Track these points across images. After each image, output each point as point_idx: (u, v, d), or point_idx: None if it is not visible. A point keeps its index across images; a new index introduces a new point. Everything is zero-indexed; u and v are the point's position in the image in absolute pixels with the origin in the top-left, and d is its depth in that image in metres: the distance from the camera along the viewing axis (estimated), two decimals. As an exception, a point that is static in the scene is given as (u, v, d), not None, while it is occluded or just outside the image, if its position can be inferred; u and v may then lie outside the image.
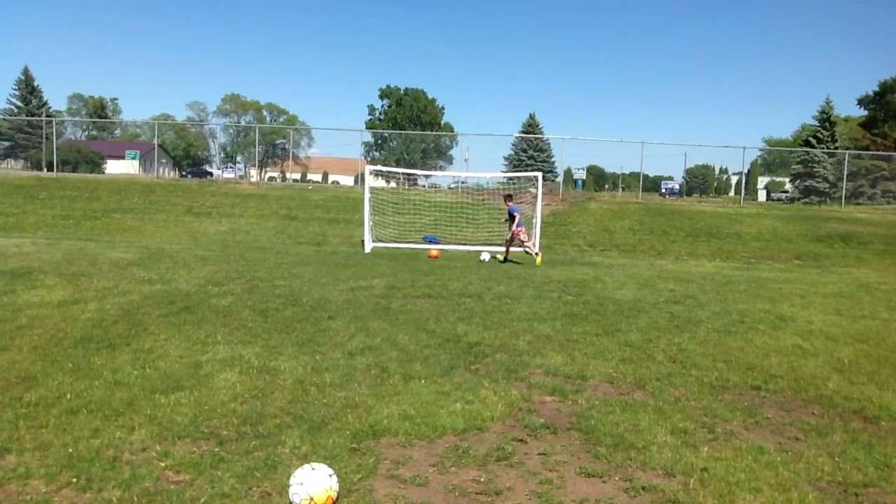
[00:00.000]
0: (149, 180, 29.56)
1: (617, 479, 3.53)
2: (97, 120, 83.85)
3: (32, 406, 4.33)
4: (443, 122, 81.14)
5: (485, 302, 8.20)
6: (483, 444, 3.92)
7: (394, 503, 3.23)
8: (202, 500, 3.16)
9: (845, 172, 31.30)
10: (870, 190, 42.55)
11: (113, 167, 56.91)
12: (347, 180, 64.22)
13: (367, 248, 16.42)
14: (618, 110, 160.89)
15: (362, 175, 25.65)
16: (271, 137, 74.29)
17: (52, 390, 4.62)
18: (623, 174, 48.57)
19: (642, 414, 4.45)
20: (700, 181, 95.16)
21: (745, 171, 35.75)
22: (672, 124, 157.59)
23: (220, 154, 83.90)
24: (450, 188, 35.21)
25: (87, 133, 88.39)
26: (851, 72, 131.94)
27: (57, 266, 9.65)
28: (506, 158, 53.09)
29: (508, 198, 15.47)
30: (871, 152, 40.20)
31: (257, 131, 54.83)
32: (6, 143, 60.92)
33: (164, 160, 67.67)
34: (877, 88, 53.11)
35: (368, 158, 54.86)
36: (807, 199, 42.17)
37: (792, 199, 45.42)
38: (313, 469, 3.13)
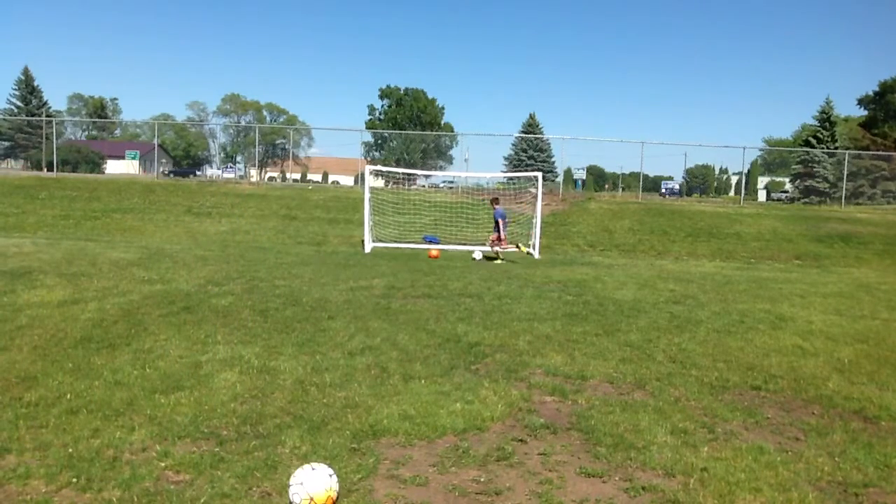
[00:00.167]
0: (149, 180, 29.56)
1: (617, 479, 3.53)
2: (97, 120, 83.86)
3: (32, 406, 4.33)
4: (443, 122, 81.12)
5: (485, 302, 8.20)
6: (483, 444, 3.93)
7: (394, 503, 3.23)
8: (202, 500, 3.16)
9: (845, 172, 31.29)
10: (870, 190, 42.55)
11: (113, 167, 56.92)
12: (347, 180, 64.23)
13: (367, 248, 16.43)
14: (618, 110, 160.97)
15: (362, 175, 25.65)
16: (271, 137, 74.29)
17: (52, 390, 4.62)
18: (623, 174, 48.62)
19: (642, 414, 4.45)
20: (700, 181, 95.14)
21: (745, 171, 35.75)
22: (672, 124, 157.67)
23: (220, 154, 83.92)
24: (438, 188, 35.23)
25: (87, 133, 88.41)
26: (851, 72, 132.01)
27: (57, 266, 9.65)
28: (506, 158, 53.10)
29: (495, 201, 15.99)
30: (871, 152, 40.20)
31: (257, 131, 54.84)
32: (6, 143, 60.92)
33: (164, 160, 67.70)
34: (877, 88, 53.10)
35: (368, 158, 54.87)
36: (807, 199, 42.17)
37: (792, 199, 45.42)
38: (313, 469, 3.13)
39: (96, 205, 21.63)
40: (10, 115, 61.69)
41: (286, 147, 69.55)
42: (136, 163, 55.57)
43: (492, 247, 15.21)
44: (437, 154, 69.15)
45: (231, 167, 69.84)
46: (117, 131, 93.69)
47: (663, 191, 55.79)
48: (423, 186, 37.67)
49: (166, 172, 47.86)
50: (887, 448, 3.98)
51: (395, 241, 17.74)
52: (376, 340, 6.16)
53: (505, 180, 27.02)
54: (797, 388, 5.16)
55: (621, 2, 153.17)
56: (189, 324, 6.55)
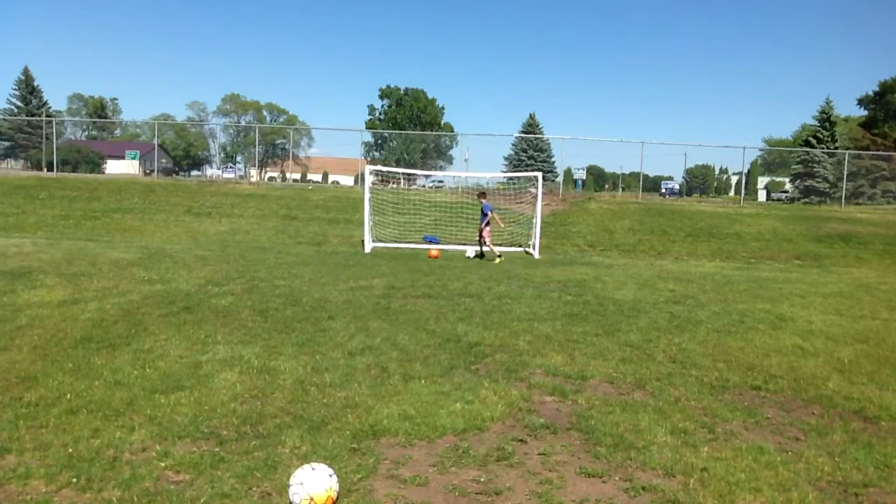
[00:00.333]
0: (149, 180, 29.55)
1: (617, 479, 3.53)
2: (97, 120, 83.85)
3: (32, 406, 4.33)
4: (443, 122, 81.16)
5: (485, 302, 8.20)
6: (483, 444, 3.93)
7: (394, 503, 3.23)
8: (202, 500, 3.16)
9: (845, 172, 31.29)
10: (870, 190, 42.55)
11: (113, 167, 56.89)
12: (347, 180, 64.22)
13: (367, 248, 16.43)
14: (618, 110, 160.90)
15: (362, 175, 25.64)
16: (271, 137, 74.31)
17: (52, 390, 4.62)
18: (623, 174, 48.60)
19: (642, 414, 4.45)
20: (700, 181, 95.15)
21: (745, 171, 35.73)
22: (672, 124, 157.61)
23: (220, 154, 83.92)
24: (428, 188, 35.21)
25: (87, 133, 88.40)
26: (851, 72, 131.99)
27: (57, 266, 9.65)
28: (506, 158, 53.12)
29: (482, 195, 16.15)
30: (871, 152, 40.19)
31: (257, 131, 54.85)
32: (6, 143, 60.93)
33: (164, 160, 67.69)
34: (877, 88, 53.10)
35: (368, 158, 54.88)
36: (807, 199, 42.18)
37: (792, 199, 45.42)
38: (313, 469, 3.13)
39: (96, 205, 21.63)
40: (10, 115, 61.70)
41: (286, 147, 69.57)
42: (136, 163, 55.54)
43: (489, 244, 15.28)
44: (437, 154, 69.17)
45: (231, 167, 69.83)
46: (117, 131, 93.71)
47: (663, 191, 55.79)
48: (424, 186, 37.68)
49: (147, 171, 47.77)
50: (887, 448, 3.98)
51: (395, 241, 17.74)
52: (376, 340, 6.16)
53: (505, 180, 27.01)
54: (797, 388, 5.16)
55: (621, 2, 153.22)
56: (189, 324, 6.55)
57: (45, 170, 34.15)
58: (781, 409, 4.71)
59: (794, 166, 48.57)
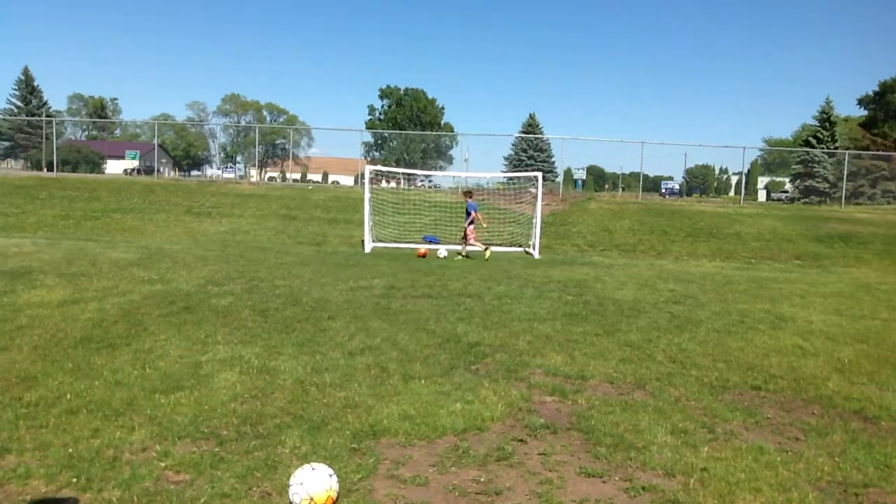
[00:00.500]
0: (149, 180, 29.55)
1: (617, 479, 3.53)
2: (97, 120, 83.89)
3: (32, 406, 4.33)
4: (443, 122, 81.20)
5: (485, 302, 8.20)
6: (483, 444, 3.92)
7: (394, 503, 3.23)
8: (202, 500, 3.16)
9: (845, 172, 31.30)
10: (870, 190, 42.56)
11: (113, 167, 56.87)
12: (347, 180, 64.20)
13: (367, 248, 16.43)
14: (618, 110, 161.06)
15: (362, 175, 25.63)
16: (271, 137, 74.34)
17: (52, 390, 4.62)
18: (623, 174, 48.50)
19: (642, 414, 4.45)
20: (700, 181, 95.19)
21: (745, 171, 35.73)
22: (672, 124, 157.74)
23: (220, 154, 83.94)
24: (428, 188, 35.20)
25: (87, 133, 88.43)
26: (851, 72, 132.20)
27: (57, 266, 9.65)
28: (506, 158, 53.15)
29: (468, 194, 16.40)
30: (871, 152, 40.20)
31: (257, 131, 54.86)
32: (6, 143, 60.96)
33: (164, 160, 67.69)
34: (877, 88, 53.14)
35: (368, 158, 54.87)
36: (807, 199, 42.19)
37: (792, 199, 45.44)
38: (313, 469, 3.13)
39: (96, 205, 21.63)
40: (10, 115, 61.71)
41: (286, 147, 69.60)
42: (136, 163, 55.54)
43: (472, 242, 15.41)
44: (437, 154, 69.15)
45: (231, 167, 69.83)
46: (117, 131, 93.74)
47: (663, 191, 55.81)
48: (423, 186, 37.67)
49: (129, 171, 47.78)
50: (887, 448, 3.97)
51: (395, 241, 17.74)
52: (376, 340, 6.16)
53: (505, 180, 27.00)
54: (797, 388, 5.16)
55: (621, 2, 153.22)
56: (189, 324, 6.55)
57: (45, 170, 34.15)
58: (781, 409, 4.71)
59: (794, 166, 48.60)
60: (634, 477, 3.53)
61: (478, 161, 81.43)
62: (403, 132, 67.03)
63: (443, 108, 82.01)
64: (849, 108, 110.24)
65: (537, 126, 55.82)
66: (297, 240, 18.39)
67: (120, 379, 4.89)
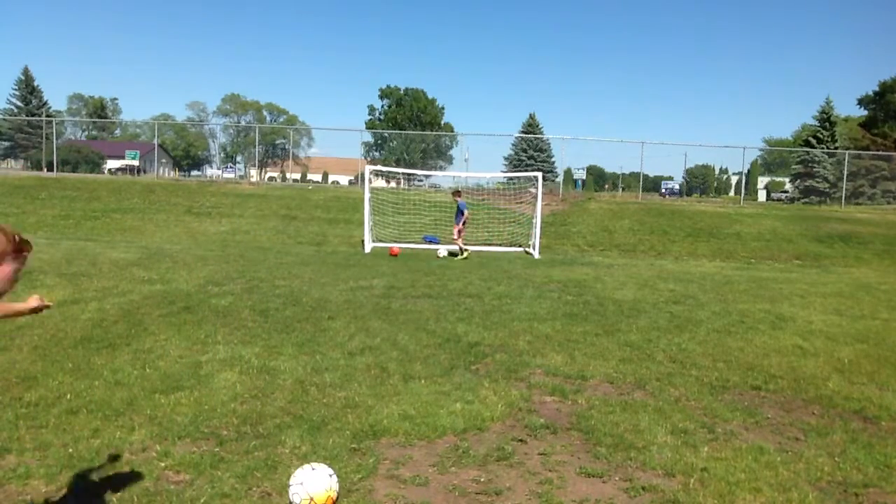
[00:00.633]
0: (149, 180, 29.55)
1: (617, 479, 3.53)
2: (97, 120, 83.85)
3: (32, 406, 4.33)
4: (443, 122, 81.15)
5: (485, 302, 8.20)
6: (483, 444, 3.92)
7: (394, 503, 3.23)
8: (202, 500, 3.16)
9: (845, 172, 31.28)
10: (870, 190, 42.54)
11: (112, 167, 56.83)
12: (346, 180, 64.18)
13: (367, 248, 16.43)
14: (618, 110, 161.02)
15: (361, 175, 25.64)
16: (271, 137, 74.33)
17: (52, 390, 4.61)
18: (623, 174, 48.48)
19: (642, 414, 4.45)
20: (700, 181, 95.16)
21: (745, 171, 35.71)
22: (672, 124, 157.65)
23: (220, 154, 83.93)
24: (427, 188, 35.19)
25: (87, 133, 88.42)
26: (851, 72, 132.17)
27: (57, 266, 9.65)
28: (506, 158, 53.08)
29: (457, 194, 16.54)
30: (871, 152, 40.19)
31: (257, 131, 54.84)
32: (6, 143, 60.92)
33: (164, 160, 67.68)
34: (877, 88, 53.13)
35: (368, 158, 54.86)
36: (807, 199, 42.17)
37: (792, 199, 45.41)
38: (313, 469, 3.13)
39: (96, 205, 21.62)
40: (10, 115, 61.70)
41: (286, 147, 69.58)
42: (136, 163, 55.51)
43: (456, 239, 15.47)
44: (437, 154, 69.12)
45: (231, 167, 69.82)
46: (117, 131, 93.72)
47: (663, 191, 55.79)
48: (423, 185, 37.68)
49: (114, 171, 47.78)
50: (887, 448, 3.98)
51: (395, 242, 17.74)
52: (376, 340, 6.16)
53: (505, 180, 27.01)
54: (797, 388, 5.16)
55: (621, 2, 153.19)
56: (189, 324, 6.55)
57: (45, 170, 34.14)
58: (781, 409, 4.71)
59: (794, 166, 48.56)
60: (634, 477, 3.53)
61: (478, 161, 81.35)
62: (403, 132, 67.01)
63: (443, 108, 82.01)
64: (849, 108, 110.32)
65: (537, 126, 55.80)
66: (297, 240, 18.39)
67: (120, 379, 4.89)
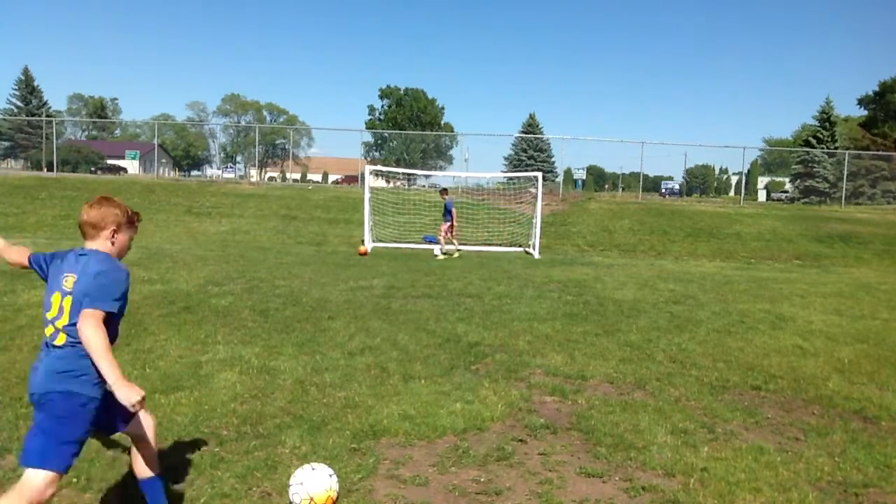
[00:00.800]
0: (149, 180, 29.55)
1: (617, 479, 3.53)
2: (97, 120, 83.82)
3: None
4: (443, 122, 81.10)
5: (485, 302, 8.20)
6: (483, 444, 3.92)
7: (394, 503, 3.23)
8: (202, 500, 3.16)
9: (845, 172, 31.29)
10: (870, 190, 42.53)
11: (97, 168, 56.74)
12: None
13: (368, 248, 16.43)
14: (618, 110, 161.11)
15: (362, 175, 25.62)
16: (271, 137, 74.30)
17: (52, 390, 4.61)
18: (623, 174, 48.48)
19: (642, 414, 4.45)
20: (700, 181, 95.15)
21: (745, 171, 35.71)
22: (672, 124, 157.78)
23: (220, 154, 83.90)
24: (428, 188, 35.16)
25: (87, 133, 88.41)
26: (851, 72, 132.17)
27: (57, 266, 9.64)
28: (506, 158, 53.08)
29: (444, 192, 16.62)
30: (871, 152, 40.20)
31: (257, 131, 54.78)
32: (6, 143, 60.87)
33: (164, 160, 67.68)
34: (877, 88, 53.10)
35: (368, 158, 54.85)
36: (807, 199, 42.16)
37: (792, 199, 45.40)
38: (313, 469, 3.13)
39: (96, 205, 21.61)
40: (10, 115, 61.67)
41: (286, 147, 69.57)
42: (135, 163, 55.54)
43: (446, 240, 15.47)
44: (437, 154, 69.09)
45: (231, 167, 69.80)
46: (117, 131, 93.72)
47: (663, 191, 55.78)
48: (423, 186, 37.66)
49: (94, 170, 47.67)
50: (887, 448, 3.98)
51: (395, 241, 17.74)
52: (376, 340, 6.16)
53: (505, 180, 27.01)
54: (797, 388, 5.16)
55: (621, 2, 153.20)
56: (189, 324, 6.55)
57: (45, 170, 34.14)
58: (781, 409, 4.71)
59: (794, 166, 48.54)
60: (634, 477, 3.53)
61: (478, 161, 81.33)
62: (403, 132, 66.97)
63: (443, 108, 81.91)
64: (849, 108, 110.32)
65: (537, 126, 55.79)
66: (297, 240, 18.39)
67: (120, 379, 4.88)
